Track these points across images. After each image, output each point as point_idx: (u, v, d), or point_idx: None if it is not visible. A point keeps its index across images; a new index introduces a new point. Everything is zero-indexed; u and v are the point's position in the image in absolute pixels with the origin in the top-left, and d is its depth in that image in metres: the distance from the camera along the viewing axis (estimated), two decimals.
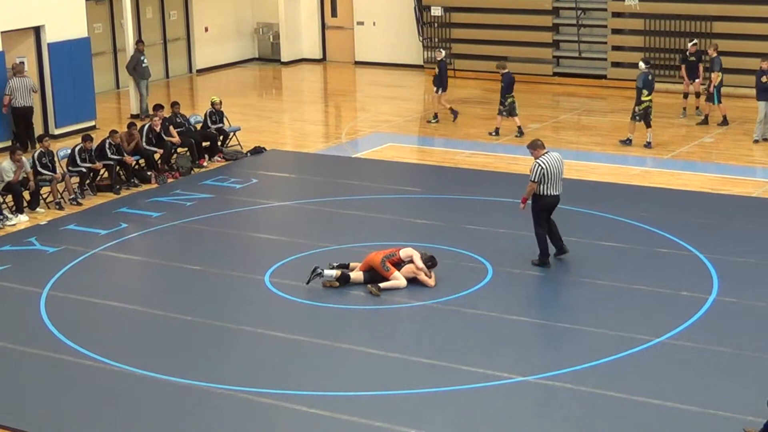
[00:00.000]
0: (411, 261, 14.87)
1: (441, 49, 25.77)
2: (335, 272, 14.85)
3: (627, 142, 22.22)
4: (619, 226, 17.09)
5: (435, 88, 24.65)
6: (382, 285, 14.66)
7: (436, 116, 24.69)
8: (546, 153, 15.39)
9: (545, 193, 15.32)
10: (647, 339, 13.03)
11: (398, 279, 14.75)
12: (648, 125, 21.97)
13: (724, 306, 14.04)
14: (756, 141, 22.26)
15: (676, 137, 22.95)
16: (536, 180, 15.20)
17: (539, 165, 15.24)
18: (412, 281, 14.84)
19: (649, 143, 21.96)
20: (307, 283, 14.80)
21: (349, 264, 15.21)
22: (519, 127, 23.07)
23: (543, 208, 15.43)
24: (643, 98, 21.82)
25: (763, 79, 22.06)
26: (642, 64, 22.28)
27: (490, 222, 17.49)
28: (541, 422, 11.39)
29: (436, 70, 24.73)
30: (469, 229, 17.21)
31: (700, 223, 17.28)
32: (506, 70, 23.15)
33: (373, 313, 14.26)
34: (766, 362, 12.44)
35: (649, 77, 21.96)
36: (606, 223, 16.85)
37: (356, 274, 14.89)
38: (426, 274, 14.80)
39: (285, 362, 12.87)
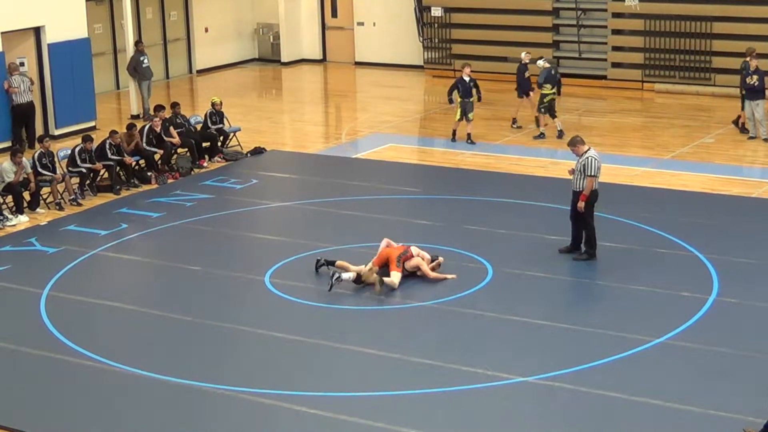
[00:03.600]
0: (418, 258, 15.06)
1: (527, 51, 24.44)
2: (351, 275, 14.83)
3: (540, 136, 23.01)
4: (619, 226, 17.09)
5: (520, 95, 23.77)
6: (385, 279, 14.68)
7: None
8: (589, 149, 15.60)
9: (595, 187, 15.54)
10: (647, 339, 13.02)
11: (397, 279, 14.77)
12: (553, 117, 22.99)
13: (724, 306, 14.03)
14: (752, 137, 22.28)
15: (675, 138, 22.96)
16: (596, 174, 15.38)
17: (596, 159, 15.46)
18: (408, 278, 14.90)
19: (561, 132, 22.81)
20: (330, 290, 14.66)
21: (335, 261, 15.26)
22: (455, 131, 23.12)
23: (592, 202, 15.61)
24: (546, 92, 22.77)
25: (748, 79, 22.09)
26: (541, 62, 23.16)
27: (490, 222, 17.49)
28: (541, 422, 11.38)
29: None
30: (469, 229, 17.21)
31: (700, 223, 17.28)
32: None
33: (373, 314, 14.27)
34: (766, 362, 12.44)
35: (552, 72, 22.94)
36: (606, 223, 16.83)
37: (366, 274, 14.91)
38: (431, 270, 15.03)
39: (285, 362, 12.86)
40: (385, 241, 15.32)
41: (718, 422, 11.09)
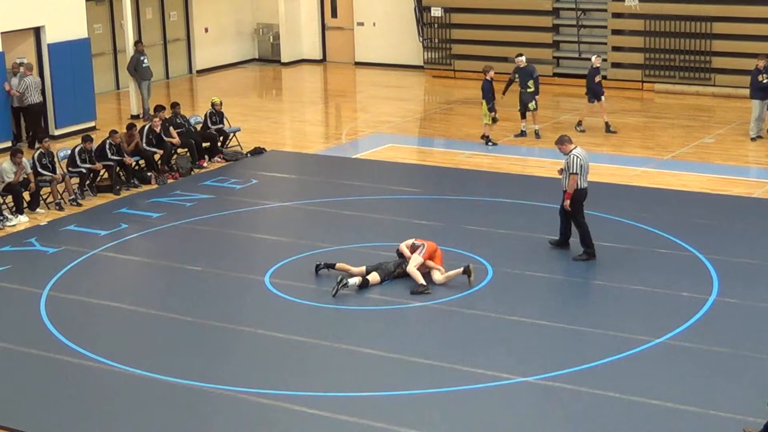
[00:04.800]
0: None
1: (597, 55, 24.12)
2: (357, 279, 14.82)
3: (537, 135, 23.01)
4: (619, 226, 17.09)
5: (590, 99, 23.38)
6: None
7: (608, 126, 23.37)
8: (575, 147, 15.63)
9: (580, 185, 15.54)
10: (647, 339, 13.02)
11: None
12: (524, 116, 23.12)
13: (724, 306, 14.03)
14: (753, 139, 22.27)
15: (675, 138, 22.96)
16: (577, 172, 15.39)
17: (577, 157, 15.52)
18: (408, 279, 14.94)
19: (524, 131, 23.17)
20: (334, 295, 14.61)
21: (335, 264, 15.26)
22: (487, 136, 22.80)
23: (581, 201, 15.64)
24: (529, 90, 22.83)
25: (760, 78, 22.06)
26: (524, 58, 23.17)
27: (490, 222, 17.49)
28: (541, 422, 11.39)
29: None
30: (469, 229, 17.21)
31: (700, 223, 17.29)
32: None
33: (373, 314, 14.27)
34: (766, 362, 12.44)
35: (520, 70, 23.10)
36: (606, 223, 16.84)
37: (373, 276, 14.90)
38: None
39: (285, 362, 12.86)
40: (415, 244, 15.23)
41: (718, 422, 11.10)
